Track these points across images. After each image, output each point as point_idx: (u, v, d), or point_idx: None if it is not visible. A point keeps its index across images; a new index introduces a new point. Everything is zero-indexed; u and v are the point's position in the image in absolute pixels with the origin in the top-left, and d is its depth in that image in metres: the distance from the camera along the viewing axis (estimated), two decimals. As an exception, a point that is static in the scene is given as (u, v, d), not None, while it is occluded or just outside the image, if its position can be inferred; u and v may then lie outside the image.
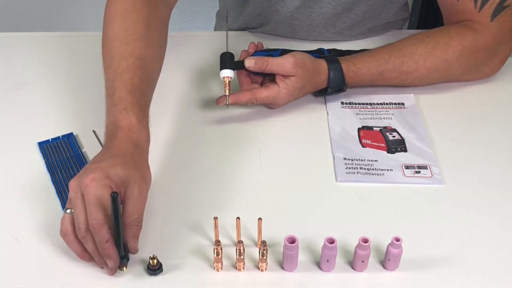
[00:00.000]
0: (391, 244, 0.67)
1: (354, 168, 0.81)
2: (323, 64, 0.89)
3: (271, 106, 0.91)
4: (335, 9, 1.01)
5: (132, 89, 0.76)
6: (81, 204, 0.65)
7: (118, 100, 0.75)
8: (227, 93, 0.86)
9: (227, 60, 0.88)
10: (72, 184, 0.66)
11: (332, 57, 0.91)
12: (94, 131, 0.88)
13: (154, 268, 0.68)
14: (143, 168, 0.71)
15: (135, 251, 0.68)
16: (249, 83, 0.91)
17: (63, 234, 0.67)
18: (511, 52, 0.95)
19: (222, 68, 0.87)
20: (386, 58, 0.91)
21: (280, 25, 1.06)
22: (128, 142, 0.72)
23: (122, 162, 0.68)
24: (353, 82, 0.91)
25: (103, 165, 0.67)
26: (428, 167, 0.82)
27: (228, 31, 0.95)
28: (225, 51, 0.90)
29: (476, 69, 0.94)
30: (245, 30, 1.12)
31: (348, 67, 0.90)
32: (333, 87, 0.90)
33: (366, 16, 1.03)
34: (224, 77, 0.86)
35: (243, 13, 1.11)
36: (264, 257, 0.67)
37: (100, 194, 0.64)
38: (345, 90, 0.92)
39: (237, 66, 0.88)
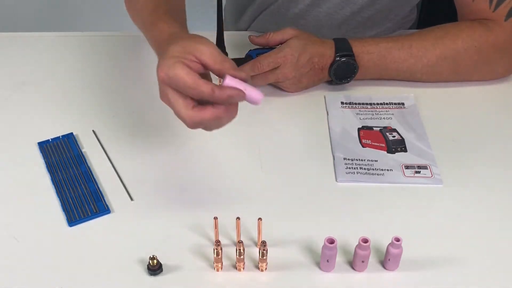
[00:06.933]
0: (391, 244, 0.67)
1: (354, 168, 0.81)
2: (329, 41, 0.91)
3: (282, 85, 0.92)
4: (343, 9, 1.01)
5: (168, 22, 0.79)
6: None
7: (158, 32, 0.79)
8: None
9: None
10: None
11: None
12: (94, 131, 0.88)
13: (154, 268, 0.68)
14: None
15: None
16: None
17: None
18: None
19: None
20: (394, 39, 0.92)
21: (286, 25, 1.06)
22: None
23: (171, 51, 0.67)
24: (361, 53, 0.91)
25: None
26: (428, 167, 0.81)
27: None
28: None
29: (488, 67, 0.94)
30: (246, 29, 1.12)
31: (354, 40, 0.91)
32: (341, 53, 0.90)
33: (373, 19, 1.03)
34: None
35: (247, 10, 1.10)
36: (264, 257, 0.67)
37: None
38: (353, 65, 0.91)
39: (239, 62, 0.88)
